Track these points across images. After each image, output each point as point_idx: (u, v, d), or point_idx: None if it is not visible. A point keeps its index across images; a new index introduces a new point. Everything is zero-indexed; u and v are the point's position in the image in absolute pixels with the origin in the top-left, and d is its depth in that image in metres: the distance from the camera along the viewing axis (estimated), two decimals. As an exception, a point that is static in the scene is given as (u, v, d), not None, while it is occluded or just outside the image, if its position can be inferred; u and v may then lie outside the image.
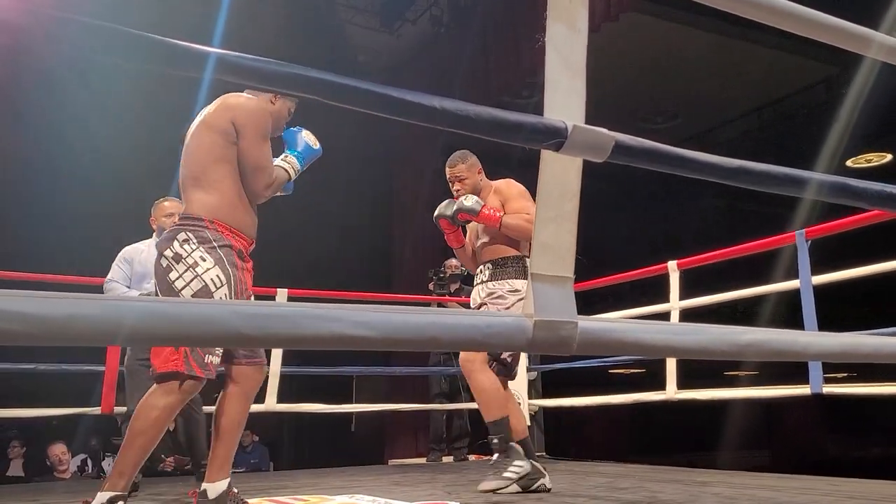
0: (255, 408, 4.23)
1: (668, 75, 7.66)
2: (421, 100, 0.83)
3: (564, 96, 0.94)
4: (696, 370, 4.35)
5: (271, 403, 4.09)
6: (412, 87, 0.83)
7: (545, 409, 5.05)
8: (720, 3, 1.06)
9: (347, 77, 0.80)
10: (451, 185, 3.14)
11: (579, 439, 9.50)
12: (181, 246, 2.13)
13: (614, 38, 6.09)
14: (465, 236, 3.27)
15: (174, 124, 2.45)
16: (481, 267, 3.14)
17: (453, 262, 5.24)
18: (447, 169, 3.14)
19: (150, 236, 3.56)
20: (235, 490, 2.33)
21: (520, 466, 2.80)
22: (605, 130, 0.93)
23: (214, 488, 2.20)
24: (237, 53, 0.77)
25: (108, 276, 3.50)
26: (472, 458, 5.28)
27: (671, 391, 3.86)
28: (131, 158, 5.59)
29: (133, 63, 0.74)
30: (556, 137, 0.90)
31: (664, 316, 3.94)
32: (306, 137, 2.43)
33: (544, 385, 5.15)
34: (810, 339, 1.18)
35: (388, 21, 7.31)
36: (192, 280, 2.11)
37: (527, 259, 2.97)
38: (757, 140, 8.46)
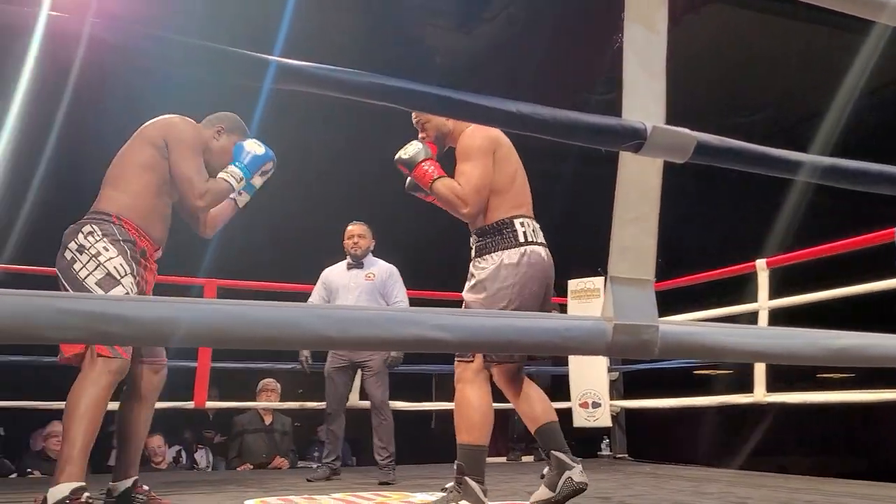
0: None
1: (752, 67, 7.39)
2: (498, 104, 0.84)
3: (643, 97, 0.93)
4: (787, 372, 4.18)
5: (354, 400, 4.16)
6: (489, 86, 0.84)
7: (627, 411, 4.96)
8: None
9: (426, 84, 0.82)
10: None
11: (662, 441, 9.27)
12: (85, 238, 2.18)
13: (696, 30, 5.92)
14: None
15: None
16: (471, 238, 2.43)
17: None
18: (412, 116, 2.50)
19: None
20: (146, 487, 2.36)
21: None
22: (686, 131, 0.91)
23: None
24: (316, 65, 0.78)
25: (309, 300, 3.93)
26: (552, 458, 5.24)
27: (759, 394, 3.73)
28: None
29: (220, 78, 0.78)
30: (635, 139, 0.89)
31: (751, 317, 3.81)
32: (249, 147, 2.43)
33: (626, 385, 5.07)
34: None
35: (464, 21, 7.32)
36: (95, 269, 2.14)
37: (514, 221, 2.29)
38: (850, 134, 8.06)
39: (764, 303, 3.79)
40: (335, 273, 3.95)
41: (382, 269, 3.92)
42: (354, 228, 3.93)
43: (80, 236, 2.19)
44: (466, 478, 2.13)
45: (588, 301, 4.71)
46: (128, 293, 2.13)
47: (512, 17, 7.05)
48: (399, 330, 0.80)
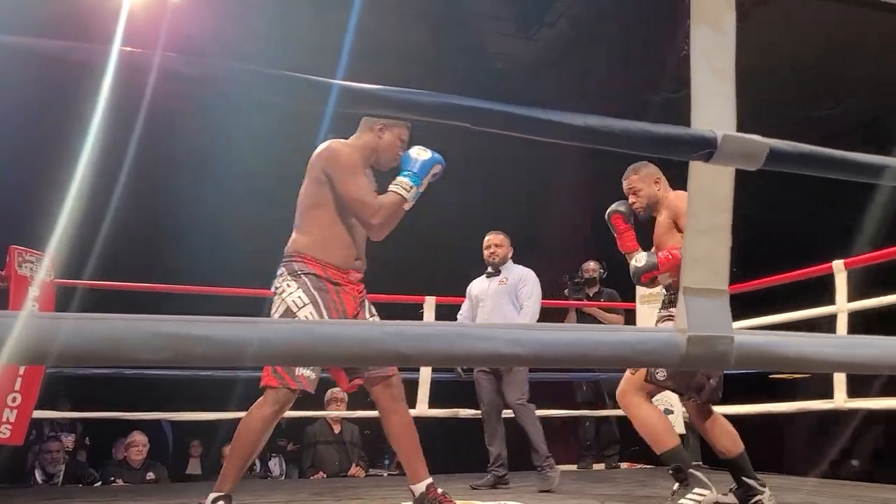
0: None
1: (825, 60, 7.12)
2: (566, 119, 0.84)
3: (712, 104, 0.91)
4: (871, 375, 3.98)
5: (423, 409, 4.21)
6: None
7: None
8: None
9: (491, 102, 0.82)
10: (628, 198, 2.88)
11: (739, 448, 8.99)
12: (278, 279, 2.40)
13: (764, 24, 5.75)
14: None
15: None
16: (662, 289, 2.93)
17: (591, 264, 5.21)
18: (623, 182, 2.88)
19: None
20: (439, 490, 2.49)
21: (700, 495, 2.56)
22: (758, 137, 0.89)
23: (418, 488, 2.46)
24: (376, 86, 0.79)
25: (458, 313, 4.14)
26: (624, 465, 5.16)
27: (840, 400, 3.59)
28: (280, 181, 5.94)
29: (292, 105, 0.80)
30: (705, 148, 0.87)
31: (829, 320, 3.67)
32: (415, 154, 2.44)
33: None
34: None
35: (525, 26, 7.30)
36: (279, 305, 2.35)
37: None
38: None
39: (843, 305, 3.64)
40: (476, 284, 4.10)
41: (515, 273, 3.99)
42: (492, 238, 4.04)
43: (277, 279, 2.41)
44: (691, 470, 2.52)
45: (658, 305, 4.61)
46: None
47: (573, 21, 7.00)
48: (472, 345, 0.81)
